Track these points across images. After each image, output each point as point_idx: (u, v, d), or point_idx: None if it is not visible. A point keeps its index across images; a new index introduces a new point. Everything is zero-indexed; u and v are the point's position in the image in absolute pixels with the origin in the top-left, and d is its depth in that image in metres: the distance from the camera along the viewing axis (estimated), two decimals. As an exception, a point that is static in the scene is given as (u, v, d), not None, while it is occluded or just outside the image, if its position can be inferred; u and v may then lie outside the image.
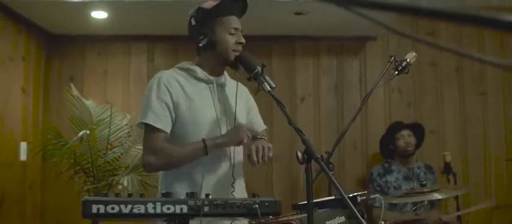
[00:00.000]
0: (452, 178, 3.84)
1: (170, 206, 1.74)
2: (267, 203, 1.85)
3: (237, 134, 2.23)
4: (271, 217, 1.94)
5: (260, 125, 2.58)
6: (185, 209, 1.75)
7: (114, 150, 3.65)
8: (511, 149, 4.43)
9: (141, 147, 3.60)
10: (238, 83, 2.49)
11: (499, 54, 4.54)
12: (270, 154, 2.25)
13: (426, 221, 3.43)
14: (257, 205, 1.81)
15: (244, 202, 1.82)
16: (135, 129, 3.78)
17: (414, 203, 3.63)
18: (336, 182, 2.01)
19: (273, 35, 4.29)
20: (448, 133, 4.45)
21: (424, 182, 2.97)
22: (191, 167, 2.26)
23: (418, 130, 4.06)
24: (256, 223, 2.11)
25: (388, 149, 4.03)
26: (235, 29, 2.31)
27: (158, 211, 1.73)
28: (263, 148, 2.22)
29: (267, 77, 2.30)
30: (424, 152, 4.21)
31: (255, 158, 2.17)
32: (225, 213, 1.80)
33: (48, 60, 4.32)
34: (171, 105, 2.24)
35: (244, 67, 2.30)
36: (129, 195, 1.83)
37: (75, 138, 3.39)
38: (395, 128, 4.04)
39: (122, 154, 3.65)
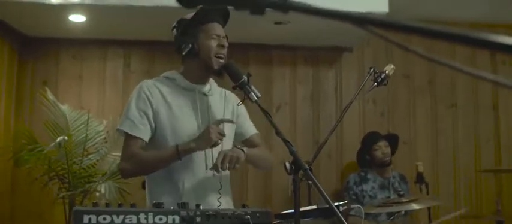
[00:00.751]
0: (424, 188, 3.92)
1: (162, 216, 1.73)
2: (258, 214, 1.86)
3: (207, 136, 2.20)
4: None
5: (250, 130, 2.60)
6: (177, 220, 1.74)
7: (90, 156, 3.59)
8: (480, 160, 4.56)
9: (117, 154, 3.58)
10: (226, 91, 2.50)
11: (470, 65, 4.66)
12: (237, 165, 2.25)
13: None
14: (249, 216, 1.82)
15: (236, 213, 1.83)
16: (112, 135, 3.74)
17: (389, 213, 3.70)
18: (323, 192, 2.04)
19: (251, 43, 4.31)
20: (419, 143, 4.55)
21: (401, 193, 3.03)
22: (173, 173, 2.26)
23: (393, 140, 4.14)
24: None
25: (365, 159, 4.10)
26: (217, 35, 2.32)
27: (150, 221, 1.72)
28: (231, 157, 2.22)
29: (252, 87, 2.32)
30: (396, 162, 4.28)
31: (219, 164, 2.18)
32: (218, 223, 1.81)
33: (21, 63, 4.22)
34: (150, 113, 2.26)
35: (230, 76, 2.31)
36: (119, 205, 1.81)
37: (53, 143, 3.32)
38: (372, 139, 4.10)
39: (97, 160, 3.60)
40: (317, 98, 4.50)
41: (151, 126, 2.26)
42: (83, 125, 3.60)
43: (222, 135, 2.23)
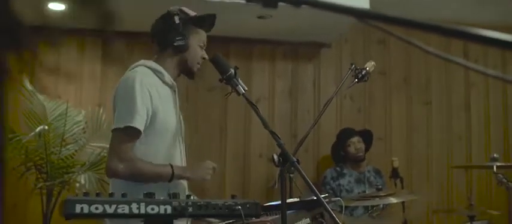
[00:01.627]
0: (399, 183, 4.01)
1: (154, 206, 1.75)
2: (248, 205, 1.89)
3: (202, 172, 2.30)
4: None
5: None
6: (169, 209, 1.76)
7: (68, 146, 3.56)
8: (452, 156, 4.69)
9: (96, 144, 3.56)
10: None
11: (444, 66, 4.79)
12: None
13: None
14: (239, 207, 1.84)
15: (226, 204, 1.85)
16: (91, 125, 3.71)
17: (366, 208, 3.78)
18: (311, 184, 2.08)
19: (233, 36, 4.32)
20: (394, 139, 4.65)
21: (380, 187, 3.10)
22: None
23: (367, 136, 4.22)
24: (229, 223, 2.15)
25: (339, 155, 4.17)
26: (204, 43, 2.41)
27: (142, 211, 1.73)
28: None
29: (239, 80, 2.35)
30: (371, 157, 4.37)
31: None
32: (208, 214, 1.83)
33: (-4, 51, 4.13)
34: (150, 111, 2.21)
35: (218, 70, 2.33)
36: (111, 195, 1.81)
37: (32, 133, 3.27)
38: (345, 135, 4.18)
39: (76, 151, 3.56)
40: (295, 92, 4.55)
41: (147, 122, 2.21)
42: (62, 115, 3.56)
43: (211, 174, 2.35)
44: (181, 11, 2.33)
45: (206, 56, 2.38)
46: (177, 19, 2.28)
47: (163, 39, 2.31)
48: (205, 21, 2.39)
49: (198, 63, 2.37)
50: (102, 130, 3.59)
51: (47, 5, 3.69)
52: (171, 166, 2.20)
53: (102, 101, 4.06)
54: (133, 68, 2.32)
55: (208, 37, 2.43)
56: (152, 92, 2.21)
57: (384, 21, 0.89)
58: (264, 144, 4.41)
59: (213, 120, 4.39)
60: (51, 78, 4.16)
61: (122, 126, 2.15)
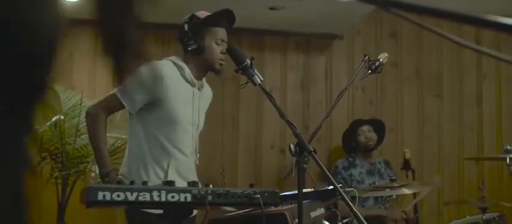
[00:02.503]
0: (410, 174, 4.02)
1: (174, 194, 1.78)
2: (266, 194, 1.92)
3: None
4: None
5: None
6: (189, 198, 1.79)
7: (83, 136, 3.58)
8: (463, 148, 4.69)
9: (111, 135, 3.59)
10: (208, 86, 2.76)
11: (456, 58, 4.79)
12: None
13: (390, 218, 3.59)
14: (259, 195, 1.87)
15: (245, 192, 1.88)
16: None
17: (376, 199, 3.79)
18: (328, 173, 2.10)
19: (245, 27, 4.32)
20: (406, 131, 4.66)
21: (394, 178, 3.11)
22: (158, 155, 2.48)
23: (378, 125, 4.22)
24: (246, 212, 2.17)
25: (351, 145, 4.18)
26: (222, 40, 2.57)
27: (163, 199, 1.76)
28: None
29: (255, 70, 2.37)
30: (383, 149, 4.38)
31: None
32: (227, 203, 1.86)
33: (10, 41, 4.17)
34: (151, 98, 2.43)
35: (234, 60, 2.36)
36: (132, 183, 1.84)
37: (48, 123, 3.31)
38: (355, 124, 4.19)
39: (91, 140, 3.59)
40: (307, 84, 4.56)
41: (141, 103, 2.44)
42: (76, 105, 3.59)
43: None
44: (192, 17, 2.54)
45: (224, 50, 2.52)
46: (186, 27, 2.52)
47: (182, 45, 2.57)
48: (219, 19, 2.55)
49: (220, 59, 2.54)
50: (116, 120, 3.61)
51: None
52: (108, 172, 2.41)
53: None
54: (164, 60, 2.57)
55: None
56: (167, 81, 2.44)
57: (404, 9, 0.90)
58: (276, 135, 4.43)
59: (225, 111, 4.41)
60: (65, 68, 4.19)
61: (116, 92, 2.44)
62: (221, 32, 2.56)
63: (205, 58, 2.54)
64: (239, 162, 4.39)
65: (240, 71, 2.35)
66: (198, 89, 2.60)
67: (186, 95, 2.54)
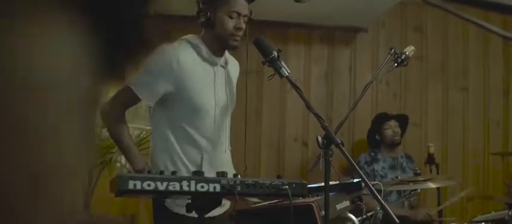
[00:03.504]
0: (434, 169, 3.99)
1: (204, 184, 1.79)
2: (294, 185, 1.92)
3: None
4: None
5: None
6: (218, 188, 1.80)
7: (108, 127, 3.63)
8: (489, 143, 4.63)
9: (136, 125, 3.63)
10: (233, 60, 2.60)
11: (482, 52, 4.72)
12: None
13: (413, 218, 3.57)
14: (287, 186, 1.87)
15: (273, 183, 1.88)
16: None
17: (399, 194, 3.77)
18: (355, 165, 2.10)
19: (268, 20, 4.32)
20: (430, 125, 4.62)
21: (418, 172, 3.09)
22: (188, 150, 2.36)
23: (403, 121, 4.20)
24: (273, 203, 2.18)
25: (375, 139, 4.16)
26: (238, 13, 2.31)
27: (192, 188, 1.77)
28: None
29: (282, 62, 2.36)
30: (407, 143, 4.35)
31: None
32: (255, 193, 1.87)
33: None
34: (169, 82, 2.26)
35: (261, 52, 2.35)
36: (161, 172, 1.86)
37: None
38: (382, 118, 4.16)
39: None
40: (331, 77, 4.55)
41: (159, 94, 2.27)
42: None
43: None
44: None
45: (242, 26, 2.32)
46: None
47: (197, 20, 2.35)
48: None
49: (232, 34, 2.31)
50: (141, 112, 3.66)
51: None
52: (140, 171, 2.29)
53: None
54: (178, 42, 2.36)
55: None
56: (182, 69, 2.26)
57: None
58: (299, 128, 4.42)
59: (248, 103, 4.39)
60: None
61: (130, 85, 2.22)
62: (238, 4, 2.29)
63: (216, 32, 2.31)
64: (262, 155, 4.40)
65: (267, 63, 2.35)
66: (222, 66, 2.41)
67: (207, 77, 2.35)
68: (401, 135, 4.17)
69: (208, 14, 2.29)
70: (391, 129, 4.09)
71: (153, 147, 2.45)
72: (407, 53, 3.20)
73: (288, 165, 4.41)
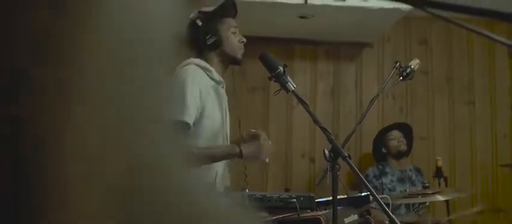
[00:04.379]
0: (443, 182, 3.98)
1: (212, 198, 1.80)
2: (302, 198, 1.93)
3: (263, 153, 2.36)
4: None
5: None
6: (226, 201, 1.81)
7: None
8: (497, 155, 4.62)
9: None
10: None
11: (488, 65, 4.73)
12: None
13: None
14: (295, 200, 1.88)
15: (281, 196, 1.89)
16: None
17: (408, 207, 3.76)
18: (363, 178, 2.10)
19: (273, 37, 4.37)
20: (437, 139, 4.62)
21: (427, 185, 3.09)
22: (205, 169, 2.31)
23: (406, 130, 4.20)
24: (282, 217, 2.19)
25: (381, 153, 4.16)
26: (235, 27, 2.46)
27: (201, 203, 1.78)
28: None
29: (288, 77, 2.39)
30: (414, 157, 4.35)
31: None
32: (263, 206, 1.88)
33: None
34: (200, 108, 2.28)
35: (266, 67, 2.38)
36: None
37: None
38: (384, 131, 4.18)
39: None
40: (337, 93, 4.57)
41: (196, 118, 2.26)
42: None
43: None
44: (200, 12, 2.40)
45: (244, 39, 2.43)
46: (199, 22, 2.36)
47: (197, 44, 2.38)
48: (226, 9, 2.44)
49: (240, 48, 2.42)
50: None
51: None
52: (239, 147, 2.26)
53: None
54: (183, 66, 2.36)
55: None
56: (202, 90, 2.28)
57: (441, 8, 0.90)
58: (306, 144, 4.44)
59: (254, 120, 4.44)
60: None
61: (183, 119, 2.20)
62: (233, 22, 2.45)
63: (225, 51, 2.40)
64: (270, 171, 4.41)
65: (273, 79, 2.38)
66: (223, 87, 2.47)
67: (218, 98, 2.40)
68: (408, 145, 4.16)
69: (216, 34, 2.37)
70: (396, 139, 4.09)
71: None
72: (412, 66, 3.22)
73: (295, 181, 4.41)
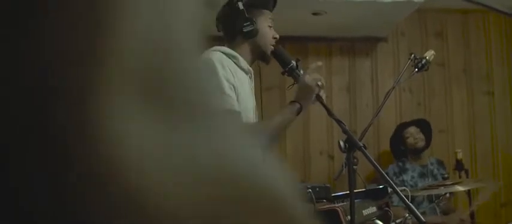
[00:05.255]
0: (464, 175, 3.93)
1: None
2: (317, 189, 1.92)
3: (310, 90, 2.24)
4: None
5: None
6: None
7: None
8: (518, 145, 4.56)
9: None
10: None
11: (506, 53, 4.67)
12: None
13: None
14: (310, 190, 1.88)
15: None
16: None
17: (430, 199, 3.72)
18: (379, 168, 2.09)
19: (287, 35, 4.35)
20: (457, 131, 4.56)
21: (446, 176, 3.06)
22: None
23: (424, 126, 4.15)
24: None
25: (399, 149, 4.11)
26: (272, 21, 2.33)
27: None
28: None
29: (302, 71, 2.38)
30: (434, 150, 4.30)
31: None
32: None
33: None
34: (235, 90, 2.12)
35: (279, 62, 2.37)
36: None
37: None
38: (401, 127, 4.13)
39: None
40: (353, 88, 4.54)
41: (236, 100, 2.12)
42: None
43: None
44: None
45: (277, 36, 2.30)
46: (240, 5, 2.18)
47: (231, 27, 2.22)
48: (267, 2, 2.32)
49: (272, 45, 2.28)
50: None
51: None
52: (298, 103, 2.18)
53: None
54: (208, 52, 2.17)
55: None
56: (234, 75, 2.12)
57: None
58: (324, 141, 4.42)
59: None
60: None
61: (228, 107, 2.06)
62: (271, 15, 2.31)
63: (257, 43, 2.23)
64: (288, 170, 4.39)
65: (286, 73, 2.37)
66: (251, 77, 2.28)
67: (247, 87, 2.23)
68: (427, 141, 4.11)
69: (254, 23, 2.19)
70: (412, 136, 4.04)
71: None
72: (427, 57, 3.19)
73: (314, 178, 4.39)
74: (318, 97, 2.21)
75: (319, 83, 2.20)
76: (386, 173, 4.04)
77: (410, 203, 1.91)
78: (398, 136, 4.13)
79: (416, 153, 4.05)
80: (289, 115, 2.18)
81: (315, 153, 4.43)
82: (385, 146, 4.40)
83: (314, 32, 4.36)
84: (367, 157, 2.07)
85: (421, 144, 4.03)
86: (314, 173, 4.41)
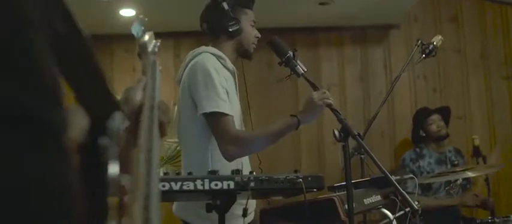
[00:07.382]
0: (481, 161, 3.85)
1: (218, 182, 1.81)
2: (309, 178, 1.91)
3: (317, 106, 2.25)
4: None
5: None
6: (232, 185, 1.82)
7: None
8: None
9: (173, 140, 3.70)
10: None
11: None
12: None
13: (463, 205, 3.46)
14: (301, 180, 1.87)
15: (288, 178, 1.88)
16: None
17: (446, 184, 3.66)
18: (375, 158, 2.07)
19: (297, 27, 4.34)
20: (475, 117, 4.47)
21: (456, 163, 3.00)
22: (225, 165, 2.15)
23: (445, 113, 4.09)
24: (299, 200, 2.18)
25: (420, 136, 4.05)
26: (254, 21, 2.39)
27: (206, 187, 1.80)
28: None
29: (298, 61, 2.36)
30: (451, 137, 4.22)
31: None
32: (270, 188, 1.87)
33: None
34: (227, 94, 2.20)
35: (276, 53, 2.35)
36: (177, 173, 1.91)
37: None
38: (424, 114, 4.06)
39: (154, 147, 3.73)
40: (366, 77, 4.49)
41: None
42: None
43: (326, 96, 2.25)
44: None
45: (259, 35, 2.38)
46: (225, 5, 2.26)
47: (216, 27, 2.30)
48: (248, 1, 2.38)
49: (253, 43, 2.37)
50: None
51: (119, 12, 3.91)
52: (296, 117, 2.20)
53: (177, 99, 4.21)
54: (197, 54, 2.27)
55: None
56: (225, 77, 2.21)
57: None
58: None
59: (285, 110, 4.41)
60: (128, 81, 4.37)
61: (216, 110, 2.13)
62: (253, 15, 2.37)
63: (241, 41, 2.32)
64: (303, 161, 4.38)
65: (283, 64, 2.35)
66: (234, 76, 2.35)
67: (233, 87, 2.31)
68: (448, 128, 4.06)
69: (237, 23, 2.27)
70: (435, 123, 3.98)
71: (188, 161, 2.33)
72: (435, 43, 3.15)
73: (329, 169, 4.35)
74: (328, 105, 2.24)
75: (328, 101, 2.23)
76: (403, 160, 4.00)
77: (402, 191, 1.88)
78: (419, 122, 4.07)
79: (438, 140, 3.99)
80: (284, 127, 2.22)
81: (328, 144, 4.39)
82: (401, 135, 4.34)
83: (324, 22, 4.33)
84: (362, 146, 2.06)
85: (444, 131, 3.97)
86: (329, 165, 4.37)
